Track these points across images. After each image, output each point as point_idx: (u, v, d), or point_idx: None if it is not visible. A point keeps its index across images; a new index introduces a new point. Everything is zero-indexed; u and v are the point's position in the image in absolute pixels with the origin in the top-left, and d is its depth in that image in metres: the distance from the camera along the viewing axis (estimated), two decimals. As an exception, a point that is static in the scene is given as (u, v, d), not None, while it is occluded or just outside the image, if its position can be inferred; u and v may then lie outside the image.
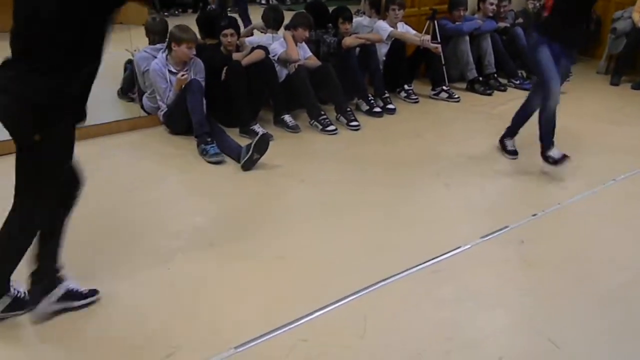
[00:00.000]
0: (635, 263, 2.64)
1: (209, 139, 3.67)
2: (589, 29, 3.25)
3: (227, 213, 3.04)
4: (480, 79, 5.33)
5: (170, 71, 3.91)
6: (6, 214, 1.98)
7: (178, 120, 3.92)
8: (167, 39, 3.97)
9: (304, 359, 1.99)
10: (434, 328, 2.16)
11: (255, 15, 5.24)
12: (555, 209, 3.13)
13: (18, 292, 2.12)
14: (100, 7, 1.84)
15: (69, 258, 2.56)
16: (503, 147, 3.85)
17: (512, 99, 5.04)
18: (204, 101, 3.86)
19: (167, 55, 3.92)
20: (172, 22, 4.07)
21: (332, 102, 4.46)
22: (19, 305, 2.12)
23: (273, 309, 2.25)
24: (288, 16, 4.58)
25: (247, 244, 2.73)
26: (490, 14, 5.50)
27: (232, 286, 2.40)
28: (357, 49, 4.69)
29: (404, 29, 5.04)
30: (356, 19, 5.02)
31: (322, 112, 4.26)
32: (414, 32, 5.08)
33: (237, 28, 4.27)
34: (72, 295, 2.19)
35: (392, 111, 4.70)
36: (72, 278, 2.21)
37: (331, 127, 4.20)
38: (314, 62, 4.49)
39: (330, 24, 4.82)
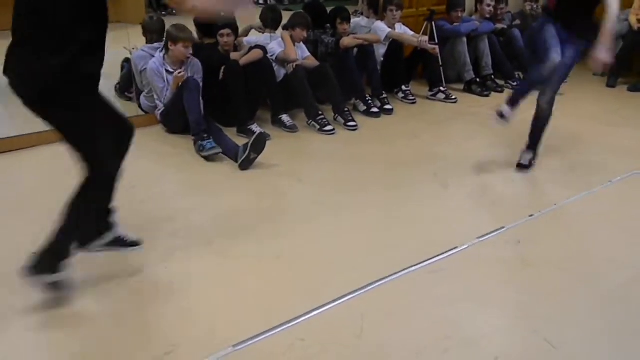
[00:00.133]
0: (632, 263, 2.65)
1: (205, 135, 3.67)
2: (595, 22, 3.19)
3: (224, 212, 3.04)
4: (478, 80, 5.36)
5: (167, 70, 3.91)
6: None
7: (175, 119, 3.92)
8: (164, 38, 3.97)
9: (302, 358, 1.99)
10: (432, 327, 2.17)
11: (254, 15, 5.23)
12: (551, 210, 3.14)
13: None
14: None
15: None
16: (499, 112, 3.58)
17: (509, 101, 5.07)
18: (201, 100, 3.86)
19: (164, 55, 3.92)
20: (170, 22, 4.07)
21: (329, 102, 4.47)
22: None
23: (271, 307, 2.25)
24: (286, 16, 4.59)
25: (245, 242, 2.73)
26: (488, 16, 5.52)
27: (230, 285, 2.40)
28: (355, 50, 4.70)
29: (402, 30, 5.05)
30: (354, 20, 5.03)
31: (320, 112, 4.26)
32: (411, 33, 5.10)
33: (234, 28, 4.27)
34: (119, 241, 2.47)
35: (389, 112, 4.71)
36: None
37: (329, 127, 4.20)
38: (312, 62, 4.49)
39: (328, 24, 4.83)
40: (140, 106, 4.24)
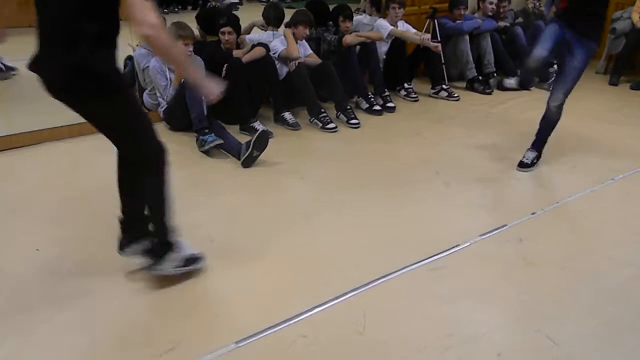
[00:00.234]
0: (634, 261, 2.65)
1: (206, 130, 3.68)
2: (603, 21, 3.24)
3: (227, 209, 3.05)
4: (480, 78, 5.35)
5: (169, 68, 3.91)
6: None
7: (178, 117, 3.93)
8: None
9: (304, 355, 2.00)
10: (434, 324, 2.17)
11: (256, 12, 5.23)
12: (554, 208, 3.14)
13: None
14: None
15: (68, 254, 2.57)
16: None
17: (512, 99, 5.07)
18: (204, 97, 3.86)
19: (166, 52, 3.92)
20: (172, 19, 4.07)
21: (332, 100, 4.47)
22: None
23: (273, 304, 2.25)
24: (289, 14, 4.59)
25: (247, 240, 2.74)
26: (490, 14, 5.52)
27: (232, 282, 2.41)
28: (358, 47, 4.70)
29: (404, 28, 5.05)
30: (357, 17, 5.03)
31: (322, 110, 4.26)
32: (414, 30, 5.09)
33: (236, 26, 4.27)
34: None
35: (391, 109, 4.71)
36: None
37: (331, 125, 4.21)
38: (315, 60, 4.49)
39: (330, 22, 4.83)
40: (143, 103, 4.24)
